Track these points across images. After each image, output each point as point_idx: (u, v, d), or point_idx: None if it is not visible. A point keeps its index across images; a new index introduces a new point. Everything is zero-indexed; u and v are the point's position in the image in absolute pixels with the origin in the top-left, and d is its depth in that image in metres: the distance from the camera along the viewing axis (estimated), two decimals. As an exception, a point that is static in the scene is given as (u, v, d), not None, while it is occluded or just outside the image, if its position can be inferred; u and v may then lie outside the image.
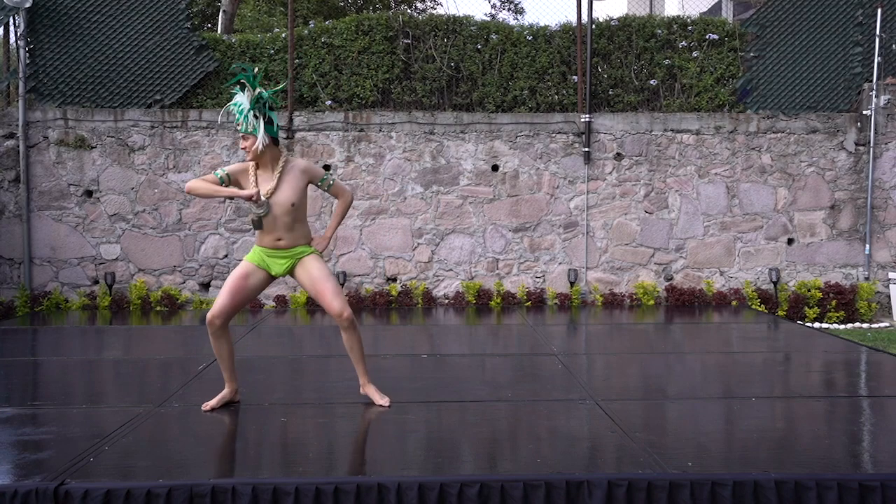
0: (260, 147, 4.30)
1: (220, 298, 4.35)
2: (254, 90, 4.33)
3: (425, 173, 8.97)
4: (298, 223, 4.42)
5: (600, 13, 10.32)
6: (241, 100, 4.34)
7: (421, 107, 9.09)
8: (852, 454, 3.78)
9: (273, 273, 4.45)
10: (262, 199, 4.30)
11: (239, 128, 4.35)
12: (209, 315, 4.35)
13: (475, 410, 4.44)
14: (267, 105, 4.36)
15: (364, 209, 8.95)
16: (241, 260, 8.80)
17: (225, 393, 4.56)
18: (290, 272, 4.47)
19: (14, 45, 9.18)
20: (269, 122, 4.37)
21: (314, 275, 4.38)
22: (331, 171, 4.44)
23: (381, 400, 4.52)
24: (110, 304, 8.65)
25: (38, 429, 4.13)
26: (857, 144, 9.07)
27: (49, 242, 8.83)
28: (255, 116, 4.32)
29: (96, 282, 8.89)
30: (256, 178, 4.38)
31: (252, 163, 4.42)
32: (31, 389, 5.24)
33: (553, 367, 5.62)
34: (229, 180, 4.38)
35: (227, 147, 8.87)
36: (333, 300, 4.32)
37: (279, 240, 4.39)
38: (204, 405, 4.51)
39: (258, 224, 4.35)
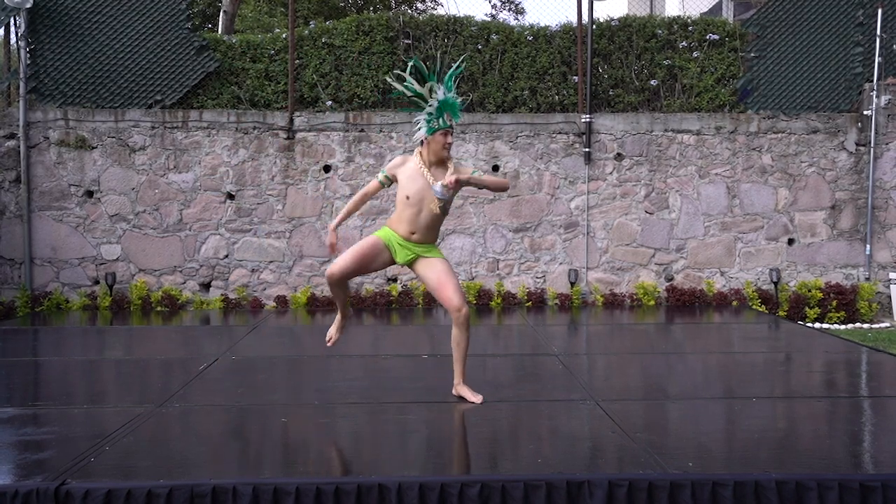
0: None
1: (345, 257, 4.51)
2: (437, 82, 4.41)
3: (426, 173, 8.95)
4: (438, 223, 4.55)
5: (601, 13, 10.34)
6: (450, 94, 4.42)
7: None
8: (853, 454, 3.78)
9: (396, 259, 4.56)
10: (447, 188, 4.37)
11: (450, 123, 4.44)
12: (329, 269, 4.53)
13: (476, 410, 4.44)
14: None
15: (364, 210, 8.94)
16: (241, 261, 8.92)
17: (341, 320, 4.82)
18: (410, 265, 4.57)
19: (15, 45, 9.18)
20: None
21: (438, 268, 4.50)
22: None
23: (474, 398, 4.59)
24: (111, 304, 8.65)
25: (39, 429, 4.14)
26: (857, 145, 9.07)
27: (50, 243, 8.83)
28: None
29: (97, 282, 8.89)
30: (429, 170, 4.47)
31: (417, 156, 4.51)
32: (32, 389, 5.24)
33: (554, 367, 5.62)
34: (389, 182, 4.58)
35: (227, 147, 8.88)
36: (454, 295, 4.43)
37: (413, 233, 4.50)
38: (327, 339, 4.83)
39: (442, 199, 4.41)
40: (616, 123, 9.01)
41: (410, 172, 4.48)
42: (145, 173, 8.86)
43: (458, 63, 4.67)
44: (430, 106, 4.41)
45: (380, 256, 4.55)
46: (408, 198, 4.45)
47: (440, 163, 4.49)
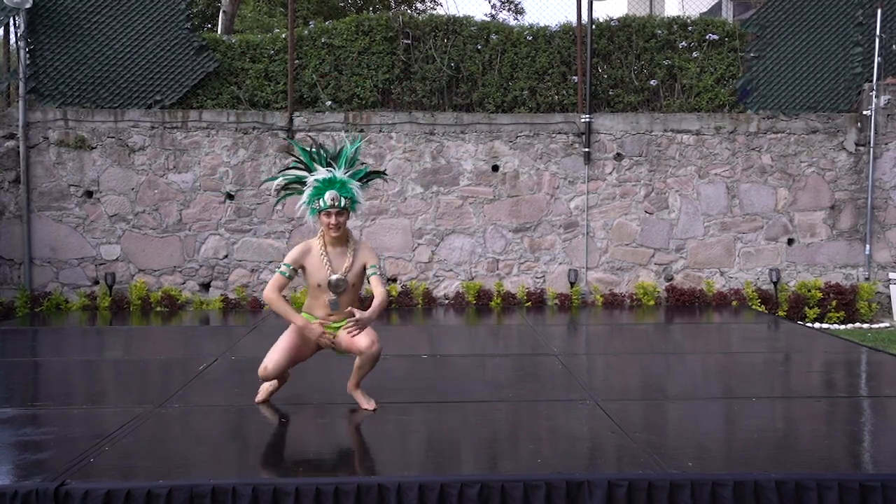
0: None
1: (276, 355, 4.30)
2: (345, 162, 4.32)
3: (425, 174, 8.97)
4: (354, 296, 4.37)
5: (600, 13, 10.32)
6: (337, 173, 4.29)
7: (421, 107, 9.09)
8: (852, 454, 3.78)
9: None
10: (341, 276, 4.26)
11: (336, 203, 4.23)
12: (262, 368, 4.30)
13: (475, 410, 4.44)
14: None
15: (364, 209, 8.95)
16: (240, 261, 8.91)
17: (277, 383, 4.60)
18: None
19: (14, 45, 9.18)
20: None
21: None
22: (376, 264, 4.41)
23: (367, 404, 4.45)
24: (110, 304, 8.65)
25: (39, 429, 4.14)
26: (857, 145, 9.07)
27: (49, 243, 8.83)
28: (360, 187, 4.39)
29: (96, 282, 8.88)
30: (329, 257, 4.30)
31: (317, 241, 4.34)
32: (31, 390, 5.24)
33: (553, 367, 5.62)
34: (295, 272, 4.32)
35: (226, 148, 8.87)
36: (362, 339, 4.23)
37: (330, 315, 4.35)
38: (257, 399, 4.58)
39: (336, 304, 4.29)
40: (615, 123, 9.01)
41: (315, 259, 4.30)
42: (145, 173, 8.86)
43: (354, 143, 4.46)
44: (307, 187, 4.31)
45: (309, 342, 4.34)
46: (318, 286, 4.30)
47: (339, 242, 4.33)
